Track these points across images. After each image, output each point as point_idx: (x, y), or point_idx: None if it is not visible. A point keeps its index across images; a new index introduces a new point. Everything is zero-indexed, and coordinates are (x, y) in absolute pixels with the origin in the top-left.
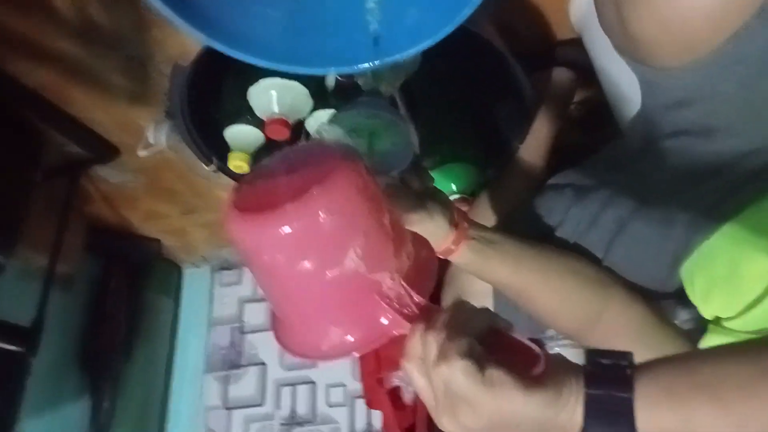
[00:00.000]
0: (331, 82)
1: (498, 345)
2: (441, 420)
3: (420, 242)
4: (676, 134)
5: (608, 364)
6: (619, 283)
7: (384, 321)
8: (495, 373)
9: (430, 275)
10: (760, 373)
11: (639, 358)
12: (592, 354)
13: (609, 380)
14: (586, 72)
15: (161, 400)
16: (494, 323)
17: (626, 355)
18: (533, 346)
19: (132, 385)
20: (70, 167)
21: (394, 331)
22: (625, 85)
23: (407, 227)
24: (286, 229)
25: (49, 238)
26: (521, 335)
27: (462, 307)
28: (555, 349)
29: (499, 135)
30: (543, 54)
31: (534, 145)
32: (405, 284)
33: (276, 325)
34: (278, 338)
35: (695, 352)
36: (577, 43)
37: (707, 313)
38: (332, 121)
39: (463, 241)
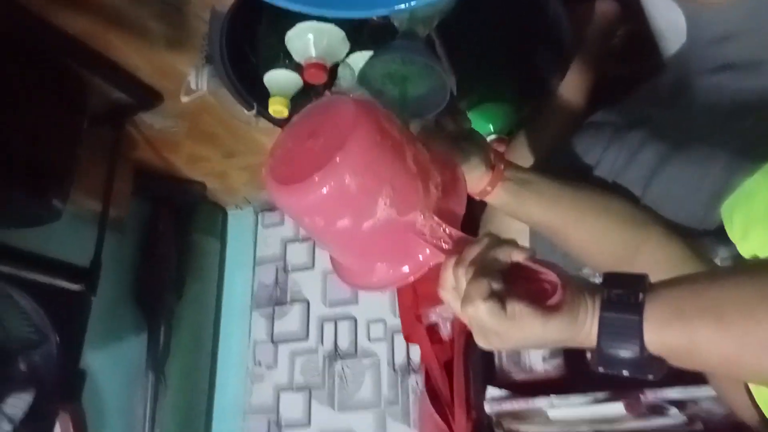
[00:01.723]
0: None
1: (521, 275)
2: (477, 340)
3: (443, 164)
4: (721, 69)
5: (622, 292)
6: (658, 222)
7: (422, 255)
8: (516, 307)
9: (459, 196)
10: (758, 296)
11: None
12: (609, 279)
13: (621, 304)
14: (630, 4)
15: (212, 334)
16: (516, 255)
17: (641, 279)
18: (552, 274)
19: (185, 321)
20: (116, 114)
21: (432, 262)
22: (670, 18)
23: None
24: (317, 197)
25: (99, 183)
26: (543, 263)
27: (488, 242)
28: None
29: (537, 73)
30: None
31: (573, 82)
32: (436, 218)
33: (333, 263)
34: (337, 273)
35: (703, 273)
36: None
37: (745, 251)
38: (367, 66)
39: (499, 183)
